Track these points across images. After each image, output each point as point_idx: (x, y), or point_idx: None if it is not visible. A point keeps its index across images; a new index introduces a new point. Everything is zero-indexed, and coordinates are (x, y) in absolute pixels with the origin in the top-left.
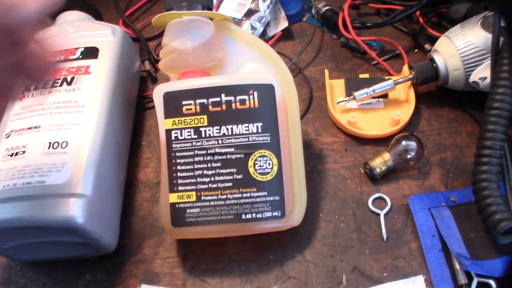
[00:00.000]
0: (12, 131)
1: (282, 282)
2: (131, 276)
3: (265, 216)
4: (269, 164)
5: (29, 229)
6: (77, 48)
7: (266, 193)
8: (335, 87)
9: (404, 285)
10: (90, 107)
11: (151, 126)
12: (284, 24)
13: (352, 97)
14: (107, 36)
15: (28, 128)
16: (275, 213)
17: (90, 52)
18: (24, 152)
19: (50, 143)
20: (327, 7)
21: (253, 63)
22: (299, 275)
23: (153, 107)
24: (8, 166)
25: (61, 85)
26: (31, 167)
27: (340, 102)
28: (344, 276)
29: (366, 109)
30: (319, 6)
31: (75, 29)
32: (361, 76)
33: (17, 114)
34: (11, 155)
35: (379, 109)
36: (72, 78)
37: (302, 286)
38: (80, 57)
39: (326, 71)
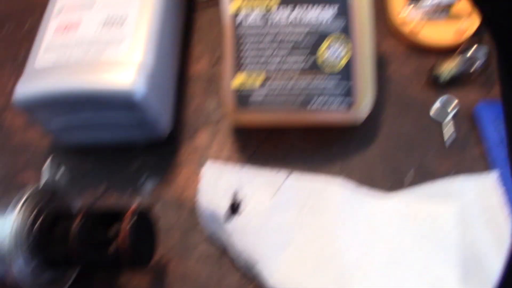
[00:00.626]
0: (64, 6)
1: (346, 174)
2: (186, 163)
3: (333, 106)
4: (340, 51)
5: (86, 104)
6: None
7: (335, 82)
8: None
9: (475, 181)
10: None
11: (202, 23)
12: None
13: (417, 4)
14: None
15: (82, 4)
16: (343, 105)
17: None
18: (79, 26)
19: (107, 17)
20: None
21: None
22: (363, 170)
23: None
24: (63, 39)
25: None
26: (88, 40)
27: (407, 9)
28: (408, 173)
29: (430, 19)
30: None
31: None
32: None
33: None
34: (65, 28)
35: (443, 20)
36: None
37: (367, 180)
38: None
39: None
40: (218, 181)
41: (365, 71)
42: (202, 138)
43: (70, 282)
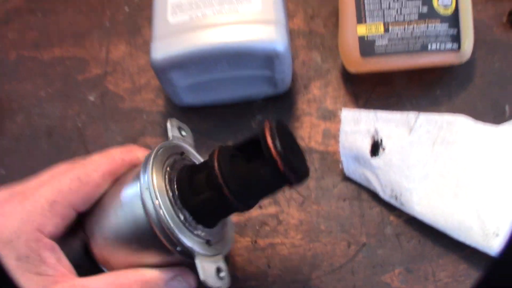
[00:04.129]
0: None
1: (452, 111)
2: (305, 114)
3: (447, 47)
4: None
5: (226, 60)
6: None
7: (447, 26)
8: None
9: None
10: None
11: None
12: None
13: None
14: None
15: None
16: (454, 46)
17: None
18: None
19: None
20: None
21: None
22: (467, 107)
23: None
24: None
25: None
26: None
27: None
28: (506, 106)
29: None
30: None
31: None
32: None
33: None
34: None
35: None
36: None
37: (471, 114)
38: None
39: None
40: (356, 125)
41: (467, 16)
42: (315, 89)
43: (230, 243)
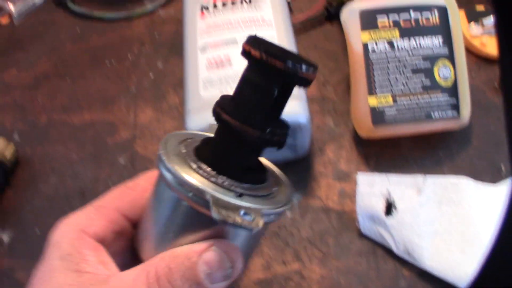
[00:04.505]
0: (207, 45)
1: (454, 171)
2: (322, 175)
3: (448, 115)
4: (448, 72)
5: None
6: None
7: (447, 96)
8: None
9: None
10: (278, 23)
11: (299, 47)
12: None
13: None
14: None
15: (225, 42)
16: (454, 113)
17: None
18: (229, 62)
19: None
20: None
21: None
22: (468, 167)
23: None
24: (218, 75)
25: (241, 3)
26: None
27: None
28: (502, 166)
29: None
30: None
31: None
32: (477, 9)
33: (204, 30)
34: (216, 65)
35: None
36: None
37: (472, 173)
38: None
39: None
40: (371, 188)
41: (465, 87)
42: (330, 152)
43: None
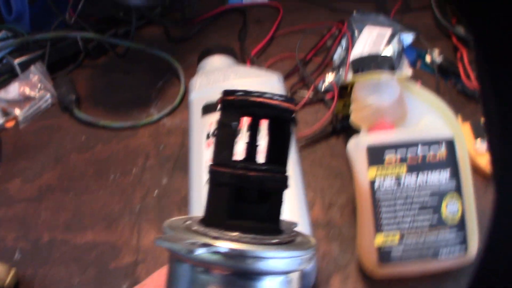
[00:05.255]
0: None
1: None
2: None
3: (455, 254)
4: (456, 207)
5: None
6: None
7: (455, 234)
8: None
9: None
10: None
11: (305, 167)
12: (408, 71)
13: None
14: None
15: None
16: (461, 251)
17: None
18: None
19: None
20: (442, 56)
21: (429, 116)
22: None
23: None
24: None
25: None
26: None
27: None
28: None
29: None
30: (434, 54)
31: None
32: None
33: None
34: None
35: None
36: None
37: None
38: None
39: (459, 116)
40: None
41: (473, 219)
42: (335, 284)
43: None
